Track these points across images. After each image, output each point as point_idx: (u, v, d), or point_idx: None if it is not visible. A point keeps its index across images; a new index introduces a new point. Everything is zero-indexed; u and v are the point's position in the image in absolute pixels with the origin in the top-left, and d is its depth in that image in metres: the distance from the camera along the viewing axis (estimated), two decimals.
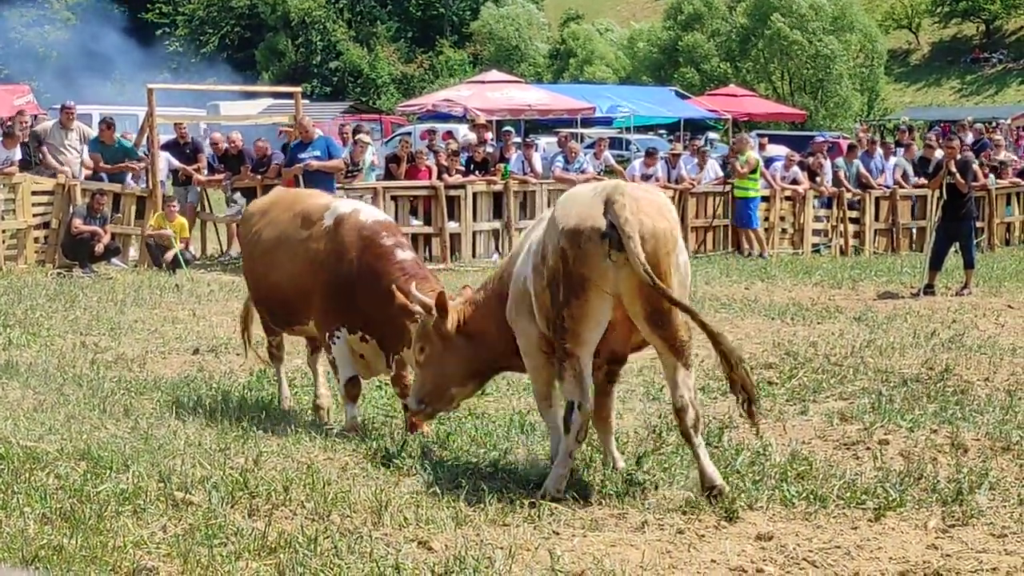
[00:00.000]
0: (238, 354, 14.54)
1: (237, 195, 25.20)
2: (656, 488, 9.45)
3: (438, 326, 9.66)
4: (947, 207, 22.18)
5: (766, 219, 28.47)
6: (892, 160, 30.59)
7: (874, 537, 8.40)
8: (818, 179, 29.36)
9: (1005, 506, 9.00)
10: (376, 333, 10.77)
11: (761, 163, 28.83)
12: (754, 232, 28.30)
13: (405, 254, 10.72)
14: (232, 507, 8.21)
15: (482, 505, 8.77)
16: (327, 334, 10.96)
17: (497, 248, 26.55)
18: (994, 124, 40.40)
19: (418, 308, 9.80)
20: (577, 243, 8.46)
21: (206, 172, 25.51)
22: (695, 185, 28.17)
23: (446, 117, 41.43)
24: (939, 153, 30.26)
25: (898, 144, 33.33)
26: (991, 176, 29.13)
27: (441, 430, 11.03)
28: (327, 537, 7.60)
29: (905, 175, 29.81)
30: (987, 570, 7.83)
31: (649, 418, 11.65)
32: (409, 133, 40.13)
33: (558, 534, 8.21)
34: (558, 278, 8.58)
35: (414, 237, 25.02)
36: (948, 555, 8.05)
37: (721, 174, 29.14)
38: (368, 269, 10.62)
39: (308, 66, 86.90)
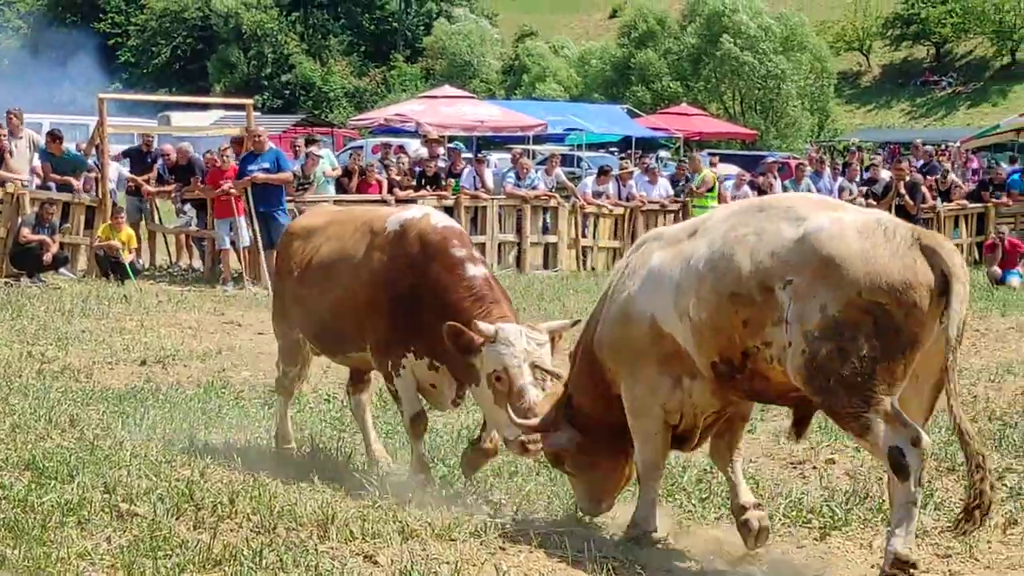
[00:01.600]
0: (185, 366, 14.48)
1: (187, 207, 25.12)
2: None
3: (555, 422, 8.68)
4: None
5: None
6: (838, 181, 30.76)
7: (819, 556, 8.47)
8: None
9: (949, 526, 9.03)
10: (446, 358, 9.38)
11: (718, 182, 29.20)
12: None
13: (476, 270, 9.45)
14: (177, 519, 8.15)
15: (429, 520, 8.75)
16: (389, 361, 9.72)
17: None
18: (943, 147, 40.77)
19: (477, 339, 8.83)
20: (905, 299, 7.02)
21: (155, 183, 25.33)
22: (645, 203, 28.23)
23: (398, 131, 41.49)
24: (885, 174, 30.63)
25: (845, 165, 33.52)
26: (939, 199, 29.36)
27: (389, 445, 10.95)
28: (272, 550, 7.56)
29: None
30: None
31: None
32: (361, 147, 40.08)
33: (504, 550, 8.21)
34: (861, 333, 7.00)
35: None
36: None
37: (671, 192, 29.31)
38: (435, 282, 9.38)
39: (260, 78, 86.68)
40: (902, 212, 22.21)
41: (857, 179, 31.06)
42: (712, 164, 32.72)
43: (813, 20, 78.96)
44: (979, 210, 30.17)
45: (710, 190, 28.49)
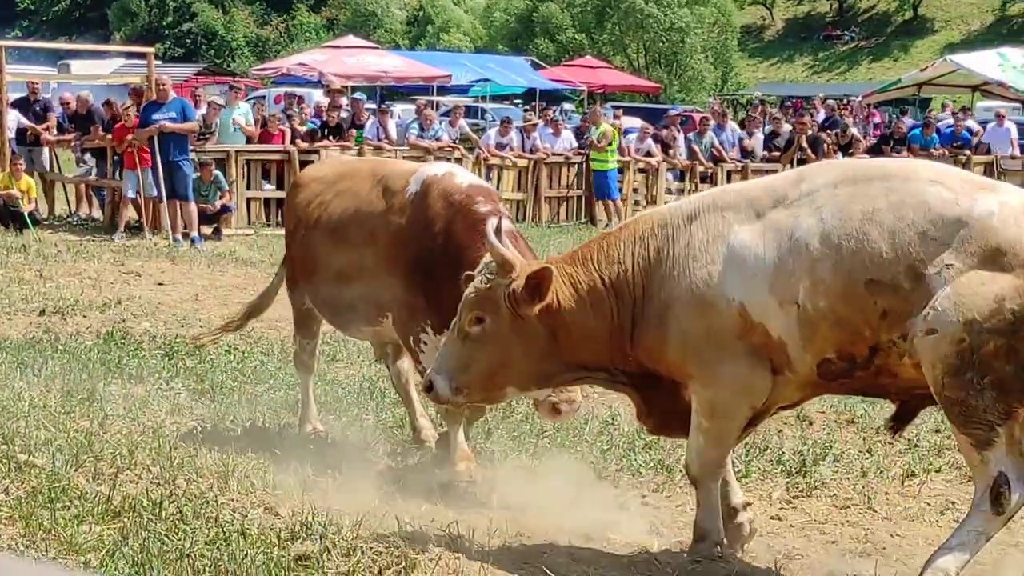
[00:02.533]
0: (85, 316, 14.32)
1: (87, 156, 24.84)
2: (506, 457, 9.49)
3: (519, 300, 7.11)
4: None
5: (619, 190, 28.88)
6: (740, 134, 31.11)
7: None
8: (671, 151, 29.70)
9: (848, 478, 9.22)
10: None
11: (618, 136, 29.19)
12: (613, 203, 28.49)
13: (503, 223, 8.04)
14: (76, 470, 8.07)
15: (330, 471, 8.74)
16: (411, 336, 8.79)
17: None
18: (845, 101, 41.10)
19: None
20: None
21: (55, 132, 25.02)
22: (548, 155, 28.36)
23: (300, 81, 41.35)
24: (787, 127, 30.91)
25: (749, 119, 33.83)
26: (839, 153, 29.65)
27: (291, 396, 10.89)
28: (172, 502, 7.51)
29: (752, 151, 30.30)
30: (829, 541, 8.01)
31: None
32: (263, 97, 39.89)
33: (405, 501, 8.23)
34: None
35: (266, 202, 25.11)
36: (792, 526, 8.21)
37: (576, 144, 29.36)
38: (456, 244, 8.40)
39: (161, 27, 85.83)
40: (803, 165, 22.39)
41: (760, 132, 31.26)
42: (616, 117, 32.82)
43: None
44: None
45: (610, 143, 28.56)
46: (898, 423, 7.21)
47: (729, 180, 29.32)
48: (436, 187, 8.63)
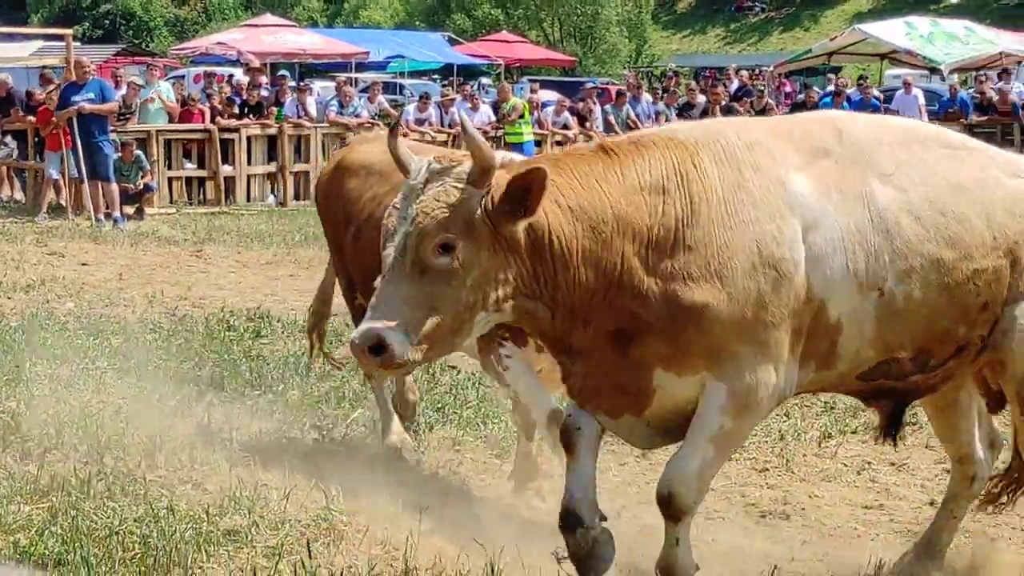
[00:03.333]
0: (9, 297, 14.40)
1: (8, 138, 24.80)
2: (431, 429, 9.62)
3: (499, 215, 5.42)
4: None
5: None
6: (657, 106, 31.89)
7: (643, 472, 8.66)
8: (588, 124, 30.10)
9: (767, 441, 9.38)
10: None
11: (527, 108, 29.72)
12: None
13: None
14: (3, 450, 8.10)
15: (257, 446, 8.77)
16: (492, 357, 7.54)
17: (272, 191, 26.97)
18: (757, 71, 41.74)
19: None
20: None
21: None
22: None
23: (220, 60, 41.73)
24: (701, 98, 31.35)
25: (664, 91, 34.42)
26: None
27: (216, 372, 10.94)
28: (101, 479, 7.52)
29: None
30: (749, 503, 8.17)
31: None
32: (183, 76, 40.12)
33: (332, 474, 8.23)
34: None
35: (188, 180, 25.32)
36: (712, 489, 8.19)
37: (494, 118, 29.75)
38: None
39: (79, 8, 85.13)
40: None
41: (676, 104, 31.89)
42: (532, 91, 33.47)
43: None
44: None
45: (521, 116, 29.08)
46: (896, 427, 6.33)
47: None
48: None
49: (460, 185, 5.34)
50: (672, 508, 5.67)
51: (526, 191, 5.29)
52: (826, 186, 5.55)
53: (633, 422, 5.72)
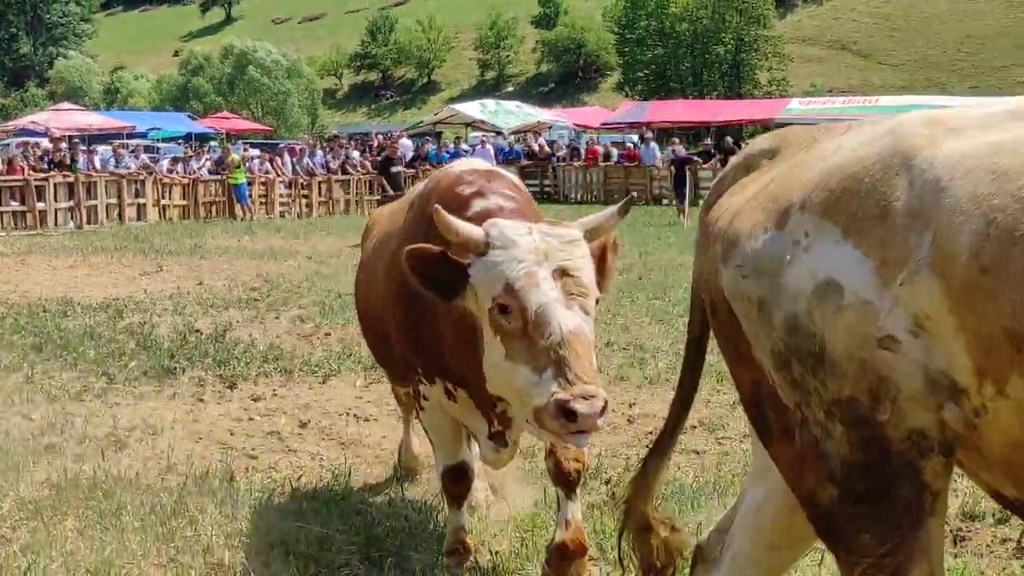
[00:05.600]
0: None
1: None
2: (184, 372, 9.58)
3: None
4: None
5: (248, 196, 31.03)
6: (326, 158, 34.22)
7: (322, 393, 8.90)
8: (279, 170, 32.30)
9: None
10: (463, 375, 4.59)
11: (242, 161, 31.26)
12: (247, 206, 30.45)
13: (491, 201, 4.64)
14: None
15: (67, 389, 8.73)
16: (411, 388, 5.36)
17: (72, 219, 27.54)
18: (389, 134, 42.92)
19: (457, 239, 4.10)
20: None
21: None
22: (200, 175, 31.21)
23: (34, 133, 41.41)
24: (355, 153, 34.44)
25: (331, 148, 35.87)
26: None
27: (36, 340, 10.75)
28: None
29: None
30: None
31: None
32: (8, 144, 38.57)
33: (119, 404, 8.36)
34: None
35: (14, 213, 26.30)
36: (368, 401, 8.62)
37: (215, 168, 31.84)
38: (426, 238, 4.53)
39: None
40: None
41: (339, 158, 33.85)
42: (245, 148, 35.41)
43: (305, 56, 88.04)
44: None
45: (238, 167, 30.16)
46: None
47: (319, 188, 32.49)
48: (435, 182, 5.00)
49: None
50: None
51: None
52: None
53: None
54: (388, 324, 5.03)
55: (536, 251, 3.92)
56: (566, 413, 3.62)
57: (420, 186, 5.34)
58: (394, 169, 25.37)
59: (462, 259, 4.03)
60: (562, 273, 3.89)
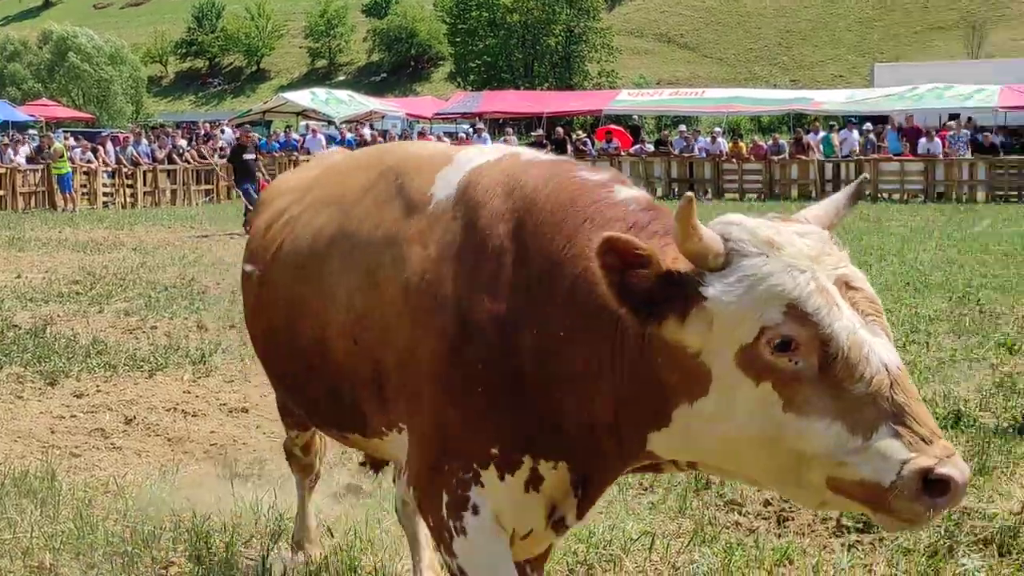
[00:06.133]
0: None
1: None
2: (2, 368, 9.66)
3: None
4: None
5: (71, 186, 30.41)
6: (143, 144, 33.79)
7: (149, 388, 8.78)
8: (102, 158, 31.78)
9: (232, 361, 9.60)
10: (570, 447, 3.20)
11: (65, 150, 30.94)
12: (69, 195, 30.10)
13: (631, 204, 3.15)
14: None
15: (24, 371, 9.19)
16: (444, 489, 3.30)
17: None
18: (217, 123, 43.52)
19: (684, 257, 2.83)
20: None
21: None
22: (20, 166, 30.90)
23: None
24: (182, 141, 34.44)
25: (156, 137, 36.02)
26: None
27: None
28: None
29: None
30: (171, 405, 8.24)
31: None
32: None
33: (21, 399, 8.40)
34: None
35: None
36: (197, 396, 8.62)
37: (35, 156, 31.55)
38: (548, 275, 3.13)
39: None
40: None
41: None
42: (66, 138, 34.94)
43: (129, 42, 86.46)
44: None
45: (61, 157, 30.12)
46: None
47: (145, 177, 32.17)
48: (483, 178, 3.42)
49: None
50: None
51: None
52: None
53: None
54: (417, 378, 3.29)
55: (810, 258, 2.78)
56: (935, 485, 2.58)
57: (425, 186, 3.52)
58: (247, 156, 25.02)
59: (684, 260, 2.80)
60: (846, 286, 2.78)
